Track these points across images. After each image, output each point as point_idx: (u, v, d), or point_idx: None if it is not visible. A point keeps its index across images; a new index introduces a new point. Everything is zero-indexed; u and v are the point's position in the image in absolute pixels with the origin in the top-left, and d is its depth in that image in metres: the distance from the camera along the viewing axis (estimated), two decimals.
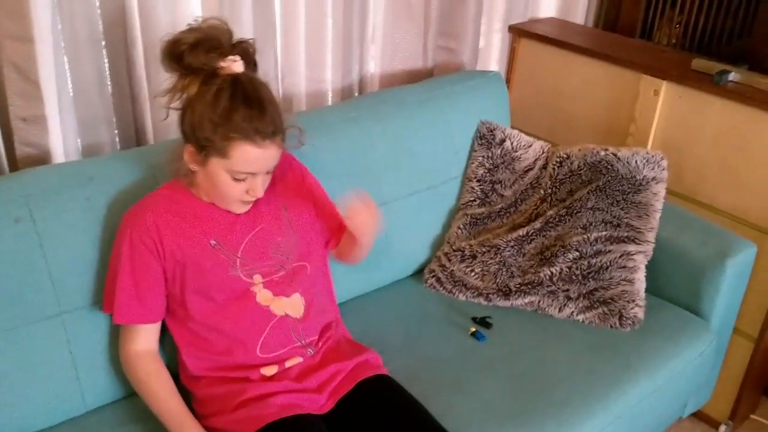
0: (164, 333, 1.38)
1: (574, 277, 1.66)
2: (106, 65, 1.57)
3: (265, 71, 1.84)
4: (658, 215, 1.74)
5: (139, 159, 1.46)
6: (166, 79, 1.27)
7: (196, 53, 1.21)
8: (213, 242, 1.32)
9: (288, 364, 1.33)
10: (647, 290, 1.79)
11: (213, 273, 1.32)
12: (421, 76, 2.14)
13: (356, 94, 2.07)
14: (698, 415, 2.11)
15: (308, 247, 1.43)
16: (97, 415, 1.39)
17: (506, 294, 1.69)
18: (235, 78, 1.23)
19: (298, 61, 1.89)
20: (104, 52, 1.56)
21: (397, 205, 1.76)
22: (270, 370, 1.32)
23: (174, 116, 1.30)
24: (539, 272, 1.68)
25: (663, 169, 1.74)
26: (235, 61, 1.24)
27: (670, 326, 1.67)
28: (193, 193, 1.34)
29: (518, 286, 1.69)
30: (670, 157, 1.96)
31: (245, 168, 1.25)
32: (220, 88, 1.21)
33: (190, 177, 1.32)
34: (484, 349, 1.55)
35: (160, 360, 1.34)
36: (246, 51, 1.28)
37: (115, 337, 1.39)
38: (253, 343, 1.32)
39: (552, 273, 1.67)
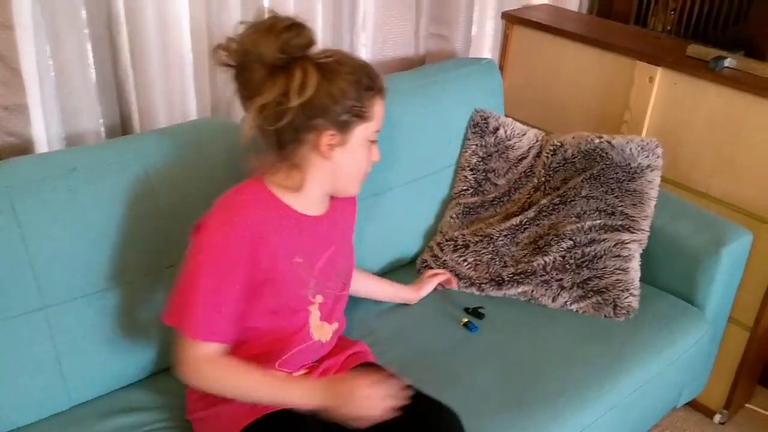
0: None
1: (567, 266, 1.63)
2: (90, 53, 1.53)
3: None
4: (653, 203, 1.72)
5: (124, 149, 1.43)
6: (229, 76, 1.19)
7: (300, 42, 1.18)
8: (298, 260, 1.26)
9: (295, 374, 1.31)
10: (641, 279, 1.78)
11: (290, 291, 1.26)
12: (413, 64, 2.11)
13: None
14: (693, 405, 2.10)
15: (350, 274, 1.41)
16: (83, 409, 1.37)
17: (499, 284, 1.67)
18: (331, 55, 1.21)
19: None
20: (87, 39, 1.52)
21: (389, 195, 1.73)
22: None
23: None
24: (532, 261, 1.66)
25: (658, 157, 1.72)
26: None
27: (664, 316, 1.65)
28: (278, 197, 1.25)
29: (511, 275, 1.67)
30: (665, 144, 1.94)
31: (380, 125, 1.27)
32: (337, 60, 1.20)
33: (288, 182, 1.24)
34: (476, 340, 1.53)
35: (221, 350, 1.21)
36: None
37: (100, 329, 1.37)
38: (277, 356, 1.27)
39: (545, 262, 1.65)
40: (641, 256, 1.72)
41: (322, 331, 1.32)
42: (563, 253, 1.64)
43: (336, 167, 1.25)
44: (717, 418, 2.05)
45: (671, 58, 1.90)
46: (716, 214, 1.80)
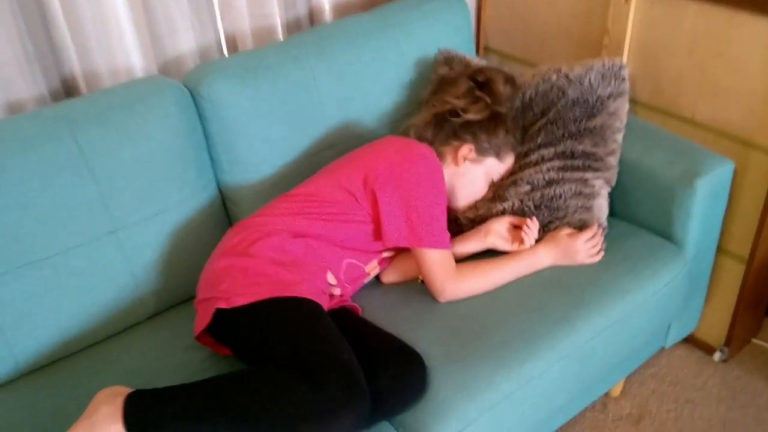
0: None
1: (526, 209, 1.55)
2: (21, 18, 1.51)
3: (198, 12, 1.77)
4: (619, 135, 1.60)
5: (58, 117, 1.41)
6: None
7: (503, 88, 1.59)
8: None
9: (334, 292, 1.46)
10: (619, 216, 1.68)
11: None
12: (378, 2, 2.01)
13: (309, 27, 1.96)
14: (692, 342, 2.01)
15: None
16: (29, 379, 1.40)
17: (455, 234, 1.60)
18: (509, 111, 1.62)
19: None
20: (15, 5, 1.50)
21: (347, 148, 1.67)
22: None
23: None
24: (492, 208, 1.58)
25: (623, 80, 1.60)
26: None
27: (635, 255, 1.55)
28: None
29: (470, 222, 1.60)
30: (647, 69, 1.81)
31: (502, 171, 1.62)
32: (507, 113, 1.60)
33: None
34: (427, 293, 1.48)
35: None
36: None
37: (44, 301, 1.38)
38: (341, 260, 1.46)
39: (504, 208, 1.56)
40: (615, 191, 1.62)
41: (372, 267, 1.52)
42: (521, 197, 1.56)
43: (460, 176, 1.57)
44: (717, 355, 1.95)
45: None
46: (693, 142, 1.66)
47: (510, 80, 1.62)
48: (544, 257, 1.51)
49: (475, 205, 1.61)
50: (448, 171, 1.57)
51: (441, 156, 1.56)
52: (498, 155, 1.59)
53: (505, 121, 1.59)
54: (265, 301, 1.28)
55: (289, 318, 1.28)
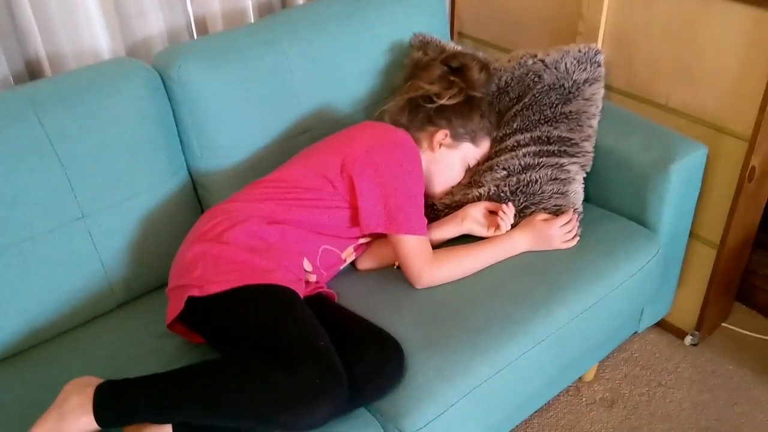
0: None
1: (502, 194, 1.54)
2: None
3: None
4: (594, 121, 1.60)
5: (23, 99, 1.36)
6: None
7: (478, 74, 1.59)
8: None
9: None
10: (594, 201, 1.68)
11: None
12: None
13: (280, 9, 1.93)
14: (664, 327, 2.03)
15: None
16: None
17: (432, 220, 1.58)
18: (483, 96, 1.61)
19: None
20: None
21: (322, 133, 1.64)
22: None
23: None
24: (468, 194, 1.57)
25: (599, 66, 1.60)
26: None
27: (610, 240, 1.56)
28: None
29: (446, 207, 1.59)
30: (622, 55, 1.82)
31: (479, 157, 1.61)
32: (482, 98, 1.59)
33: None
34: (403, 279, 1.46)
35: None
36: None
37: (10, 288, 1.35)
38: (318, 246, 1.44)
39: (480, 194, 1.56)
40: (590, 177, 1.62)
41: (348, 253, 1.51)
42: (497, 182, 1.55)
43: (436, 161, 1.56)
44: (688, 339, 1.98)
45: None
46: (668, 128, 1.67)
47: (485, 66, 1.62)
48: (519, 242, 1.51)
49: (451, 191, 1.60)
50: (425, 157, 1.55)
51: (417, 142, 1.54)
52: (474, 140, 1.59)
53: (480, 106, 1.58)
54: (239, 288, 1.26)
55: (263, 305, 1.26)
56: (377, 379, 1.25)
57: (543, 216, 1.53)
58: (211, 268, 1.29)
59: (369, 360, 1.24)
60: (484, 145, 1.62)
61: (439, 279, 1.44)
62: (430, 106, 1.55)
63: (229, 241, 1.32)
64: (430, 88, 1.55)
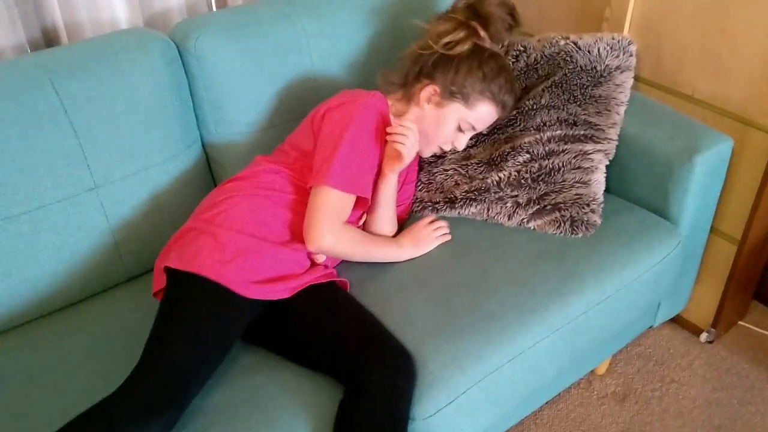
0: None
1: (523, 181, 1.51)
2: None
3: None
4: (622, 109, 1.56)
5: (38, 65, 1.34)
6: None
7: (497, 18, 1.47)
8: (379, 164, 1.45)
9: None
10: (614, 192, 1.65)
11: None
12: None
13: None
14: (680, 323, 2.00)
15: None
16: None
17: (452, 202, 1.56)
18: (498, 53, 1.48)
19: None
20: None
21: None
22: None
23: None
24: (486, 179, 1.54)
25: (630, 55, 1.56)
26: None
27: (630, 231, 1.52)
28: (390, 118, 1.47)
29: (464, 193, 1.55)
30: (649, 44, 1.77)
31: (476, 123, 1.49)
32: (493, 54, 1.47)
33: (397, 105, 1.50)
34: (419, 262, 1.44)
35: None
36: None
37: (21, 257, 1.33)
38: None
39: (500, 178, 1.52)
40: (612, 166, 1.59)
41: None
42: (519, 167, 1.52)
43: (424, 117, 1.47)
44: (703, 336, 1.94)
45: None
46: (694, 119, 1.63)
47: (511, 25, 1.52)
48: (406, 247, 1.47)
49: (469, 177, 1.57)
50: (413, 113, 1.48)
51: (409, 98, 1.48)
52: (466, 102, 1.46)
53: (487, 65, 1.45)
54: (184, 275, 1.24)
55: (175, 304, 1.23)
56: (388, 395, 1.19)
57: (427, 220, 1.52)
58: (186, 246, 1.28)
59: (381, 377, 1.19)
60: (482, 110, 1.48)
61: (335, 249, 1.35)
62: (428, 53, 1.46)
63: (221, 224, 1.30)
64: (437, 29, 1.47)
